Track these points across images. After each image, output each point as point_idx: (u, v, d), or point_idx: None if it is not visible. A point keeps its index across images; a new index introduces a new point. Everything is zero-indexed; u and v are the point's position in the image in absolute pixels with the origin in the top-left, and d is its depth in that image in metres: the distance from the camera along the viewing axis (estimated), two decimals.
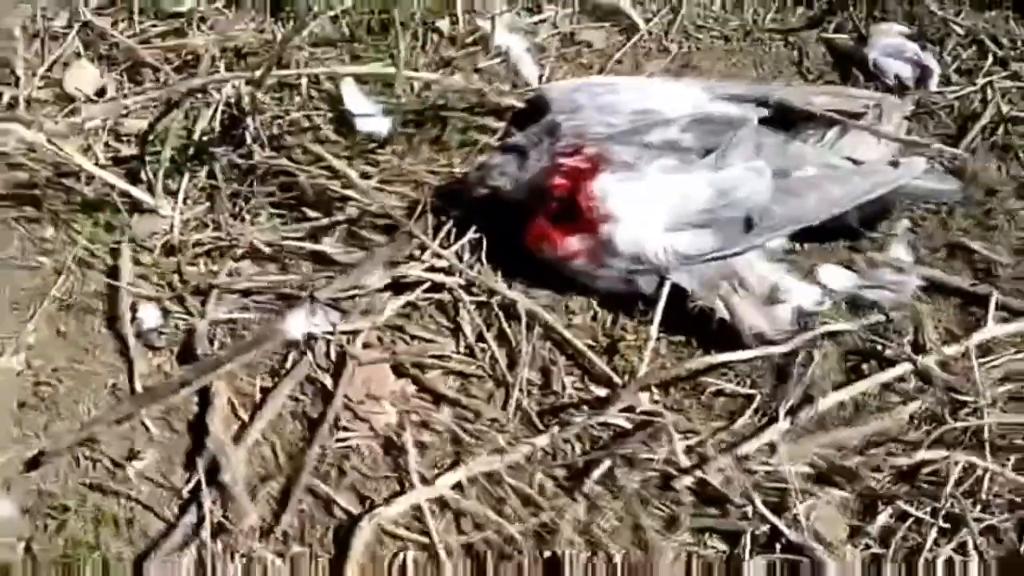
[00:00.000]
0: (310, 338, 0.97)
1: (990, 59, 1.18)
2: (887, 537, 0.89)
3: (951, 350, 0.97)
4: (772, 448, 0.92)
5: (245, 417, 0.95)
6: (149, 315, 1.00)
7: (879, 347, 0.98)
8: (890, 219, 1.08)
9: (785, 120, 1.08)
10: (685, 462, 0.87)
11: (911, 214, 1.08)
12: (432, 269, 1.03)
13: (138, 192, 1.06)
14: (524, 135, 1.03)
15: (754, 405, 0.96)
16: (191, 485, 0.89)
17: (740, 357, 0.94)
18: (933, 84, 1.17)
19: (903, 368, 0.96)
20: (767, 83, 1.18)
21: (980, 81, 1.15)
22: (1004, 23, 1.21)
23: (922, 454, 0.90)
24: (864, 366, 0.98)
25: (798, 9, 1.24)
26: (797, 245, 1.05)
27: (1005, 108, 1.13)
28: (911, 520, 0.89)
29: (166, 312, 1.01)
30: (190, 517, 0.87)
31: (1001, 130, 1.13)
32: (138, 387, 0.96)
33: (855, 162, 1.02)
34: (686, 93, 1.07)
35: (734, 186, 0.96)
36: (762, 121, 1.05)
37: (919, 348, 0.98)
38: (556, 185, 0.98)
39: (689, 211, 0.96)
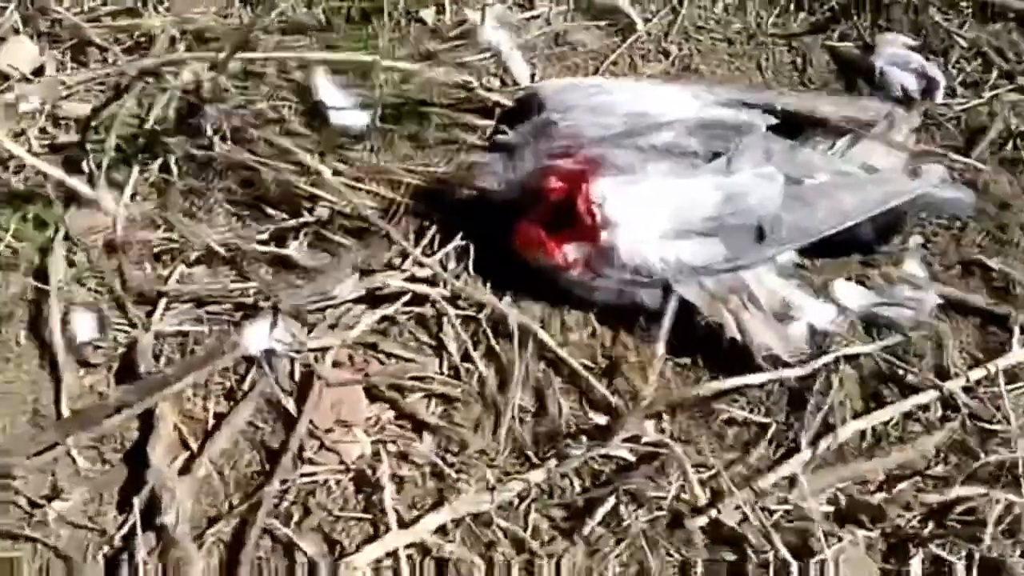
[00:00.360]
0: (271, 355, 0.79)
1: (995, 72, 1.05)
2: None
3: (976, 374, 0.83)
4: (791, 483, 0.77)
5: (194, 446, 0.76)
6: (83, 325, 0.81)
7: (900, 371, 0.83)
8: (902, 233, 0.94)
9: (791, 128, 0.93)
10: (703, 499, 0.70)
11: (923, 229, 0.95)
12: (413, 279, 0.85)
13: (76, 182, 0.86)
14: (515, 134, 0.86)
15: (768, 434, 0.81)
16: (124, 529, 0.70)
17: (755, 381, 0.78)
18: (939, 96, 1.03)
19: (928, 395, 0.82)
20: (769, 89, 1.04)
21: (987, 94, 1.02)
22: (1008, 35, 1.08)
23: (957, 491, 0.76)
24: (885, 392, 0.83)
25: (801, 14, 1.09)
26: (807, 260, 0.89)
27: (1014, 122, 1.01)
28: (945, 566, 0.75)
29: (104, 322, 0.82)
30: (122, 571, 0.68)
31: (1010, 145, 1.00)
32: (65, 410, 0.77)
33: (869, 169, 0.88)
34: (682, 97, 0.91)
35: (744, 192, 0.82)
36: (769, 129, 0.90)
37: (942, 372, 0.84)
38: (551, 188, 0.82)
39: (695, 217, 0.81)
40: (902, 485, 0.79)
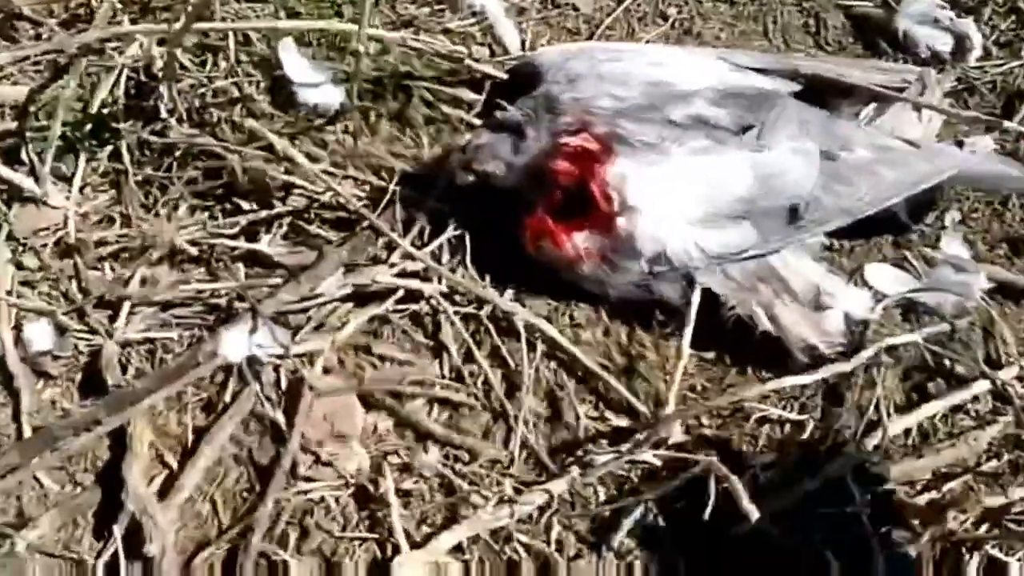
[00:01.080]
0: (254, 363, 0.85)
1: None
2: None
3: None
4: (835, 485, 0.85)
5: (173, 464, 0.82)
6: (38, 334, 0.86)
7: (947, 362, 0.93)
8: (936, 209, 1.03)
9: (814, 96, 1.02)
10: (753, 512, 0.78)
11: (959, 204, 1.04)
12: (404, 274, 0.92)
13: (17, 176, 0.92)
14: (517, 110, 0.92)
15: (805, 434, 0.89)
16: (105, 558, 0.76)
17: (801, 381, 0.85)
18: (973, 57, 1.13)
19: (978, 387, 0.91)
20: (784, 54, 1.12)
21: None
22: None
23: (1018, 491, 0.84)
24: (930, 385, 0.92)
25: None
26: (835, 241, 0.99)
27: None
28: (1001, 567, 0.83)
29: (61, 330, 0.87)
30: None
31: None
32: (26, 429, 0.82)
33: (909, 143, 0.97)
34: (703, 62, 0.99)
35: (780, 171, 0.89)
36: (796, 96, 0.99)
37: (992, 362, 0.93)
38: (561, 171, 0.89)
39: (725, 200, 0.88)
40: (952, 484, 0.87)
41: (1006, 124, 0.99)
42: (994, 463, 0.89)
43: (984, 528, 0.85)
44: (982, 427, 0.90)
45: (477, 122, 1.00)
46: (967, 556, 0.84)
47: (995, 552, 0.84)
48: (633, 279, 0.90)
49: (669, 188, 0.88)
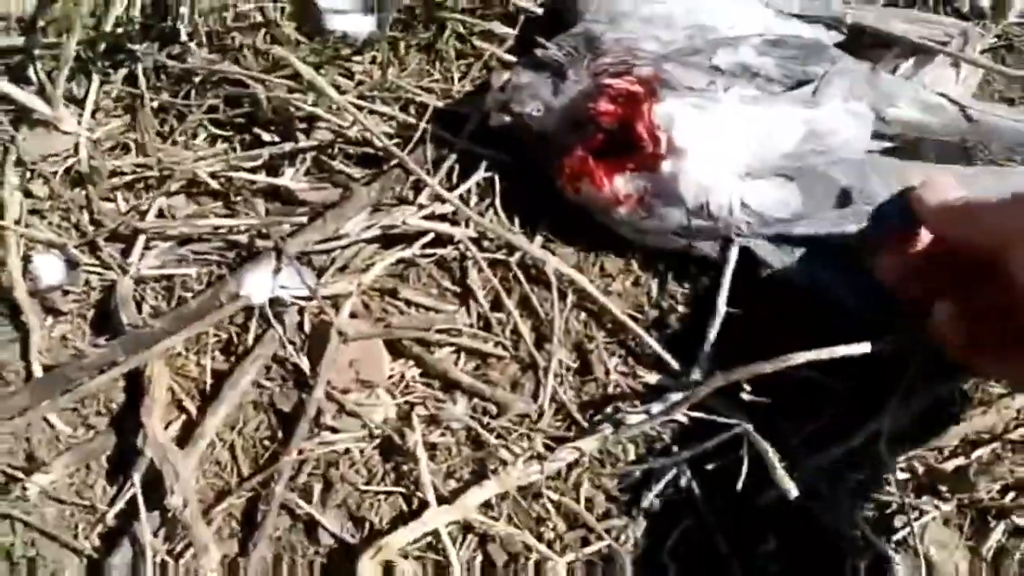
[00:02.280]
0: (276, 304, 0.75)
1: None
2: (1001, 557, 0.76)
3: None
4: (867, 451, 0.77)
5: (191, 408, 0.73)
6: (48, 267, 0.76)
7: None
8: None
9: (856, 46, 0.91)
10: (791, 491, 0.69)
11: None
12: (432, 216, 0.82)
13: (26, 97, 0.80)
14: (556, 48, 0.81)
15: (840, 398, 0.80)
16: (120, 505, 0.67)
17: (847, 352, 0.75)
18: (1014, 13, 1.02)
19: None
20: (827, 1, 1.01)
21: None
22: None
23: None
24: None
25: None
26: None
27: None
28: None
29: (73, 264, 0.77)
30: (121, 552, 0.65)
31: None
32: (36, 368, 0.72)
33: (951, 100, 0.87)
34: (747, 7, 0.87)
35: (832, 129, 0.78)
36: (838, 46, 0.88)
37: None
38: (603, 112, 0.77)
39: (774, 153, 0.77)
40: (980, 451, 0.80)
41: None
42: (1022, 431, 0.81)
43: (1010, 496, 0.78)
44: (1011, 395, 0.81)
45: (510, 57, 0.89)
46: (993, 523, 0.77)
47: (1021, 521, 0.77)
48: (671, 228, 0.79)
49: (718, 134, 0.77)
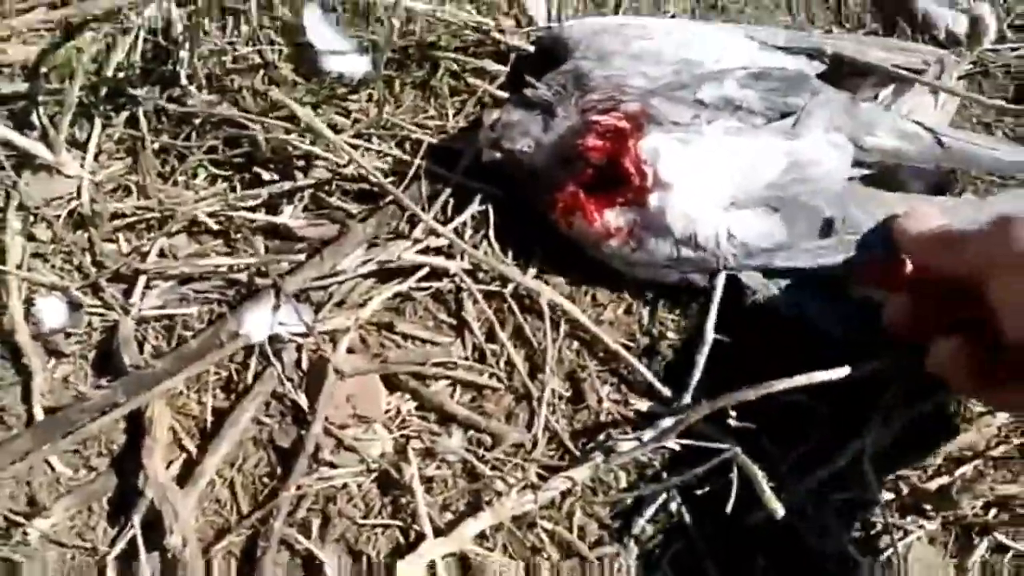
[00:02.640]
0: (275, 341, 0.74)
1: None
2: (985, 574, 0.75)
3: None
4: (851, 471, 0.76)
5: (191, 447, 0.72)
6: (50, 310, 0.75)
7: None
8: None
9: (835, 76, 0.91)
10: (778, 511, 0.68)
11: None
12: (427, 250, 0.81)
13: (30, 143, 0.80)
14: (546, 86, 0.80)
15: (825, 419, 0.79)
16: (121, 546, 0.66)
17: (827, 377, 0.74)
18: (988, 40, 1.01)
19: None
20: (808, 32, 1.00)
21: None
22: None
23: None
24: None
25: None
26: None
27: None
28: (1011, 554, 0.75)
29: (75, 306, 0.76)
30: None
31: None
32: (38, 411, 0.71)
33: (927, 129, 0.86)
34: (731, 40, 0.87)
35: (813, 159, 0.77)
36: (819, 77, 0.87)
37: None
38: (591, 148, 0.77)
39: (758, 183, 0.76)
40: (963, 469, 0.79)
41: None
42: (1004, 447, 0.80)
43: (993, 513, 0.77)
44: (992, 413, 0.81)
45: (502, 94, 0.88)
46: (976, 540, 0.76)
47: (1003, 538, 0.76)
48: (660, 260, 0.79)
49: (702, 167, 0.76)
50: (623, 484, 0.74)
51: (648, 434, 0.74)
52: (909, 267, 0.76)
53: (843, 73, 0.92)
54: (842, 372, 0.73)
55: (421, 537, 0.68)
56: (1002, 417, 0.81)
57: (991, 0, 1.03)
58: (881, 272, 0.77)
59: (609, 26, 0.86)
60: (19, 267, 0.76)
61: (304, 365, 0.75)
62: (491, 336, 0.79)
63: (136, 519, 0.65)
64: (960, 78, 0.98)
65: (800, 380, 0.73)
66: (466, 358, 0.78)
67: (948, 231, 0.73)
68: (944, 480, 0.79)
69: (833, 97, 0.83)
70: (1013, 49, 1.01)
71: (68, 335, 0.75)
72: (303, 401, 0.73)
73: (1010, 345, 0.65)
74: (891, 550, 0.72)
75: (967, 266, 0.69)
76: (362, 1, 0.84)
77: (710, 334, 0.78)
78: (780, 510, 0.65)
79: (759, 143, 0.78)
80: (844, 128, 0.81)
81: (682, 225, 0.77)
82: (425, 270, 0.80)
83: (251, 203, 0.82)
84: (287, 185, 0.83)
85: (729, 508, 0.69)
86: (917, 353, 0.76)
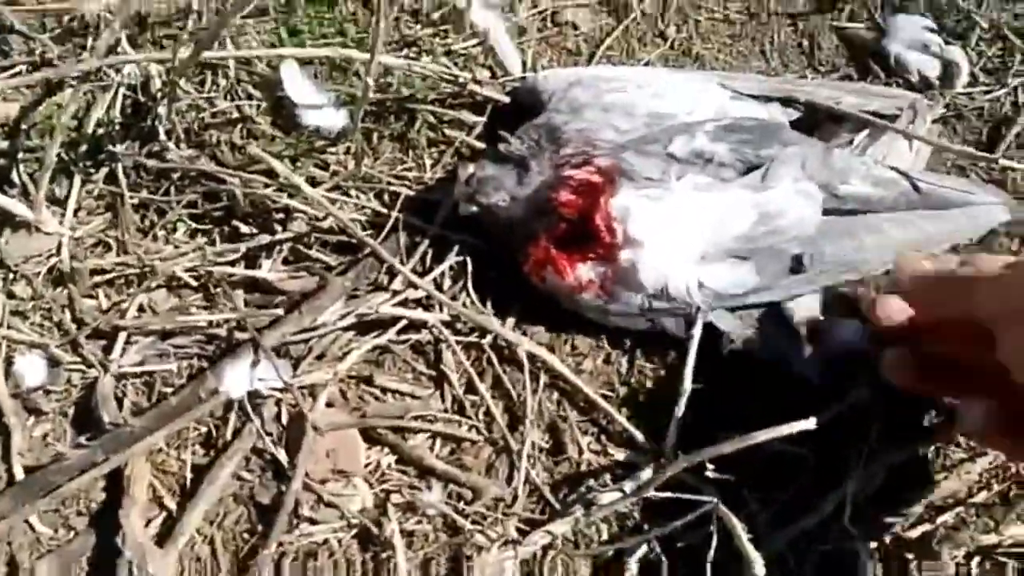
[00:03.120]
0: (254, 397, 0.76)
1: (1018, 57, 1.07)
2: None
3: None
4: (834, 520, 0.79)
5: (171, 505, 0.74)
6: (30, 368, 0.77)
7: None
8: None
9: (810, 122, 0.94)
10: (758, 566, 0.70)
11: None
12: (406, 302, 0.84)
13: (9, 202, 0.82)
14: (520, 141, 0.83)
15: (805, 467, 0.82)
16: None
17: (802, 427, 0.77)
18: (960, 83, 1.06)
19: None
20: (780, 77, 1.04)
21: (1012, 82, 1.05)
22: None
23: (1010, 528, 0.78)
24: (924, 416, 0.85)
25: None
26: None
27: None
28: None
29: (54, 363, 0.78)
30: None
31: None
32: (18, 470, 0.73)
33: (902, 174, 0.89)
34: (704, 91, 0.90)
35: (780, 210, 0.81)
36: (791, 125, 0.91)
37: None
38: (564, 202, 0.80)
39: (726, 237, 0.80)
40: (945, 516, 0.81)
41: (1000, 160, 0.91)
42: (984, 494, 0.83)
43: (976, 561, 0.79)
44: (972, 459, 0.84)
45: (479, 144, 0.92)
46: None
47: None
48: (634, 311, 0.82)
49: (672, 223, 0.80)
50: (604, 536, 0.77)
51: (628, 486, 0.77)
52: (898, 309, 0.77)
53: (818, 119, 0.97)
54: (811, 424, 0.76)
55: None
56: (983, 463, 0.84)
57: (962, 43, 1.08)
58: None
59: (582, 78, 0.90)
60: None
61: (284, 420, 0.77)
62: (470, 388, 0.82)
63: None
64: (934, 121, 1.03)
65: (778, 431, 0.75)
66: (445, 410, 0.81)
67: (953, 275, 0.71)
68: (926, 528, 0.81)
69: (807, 148, 0.87)
70: (985, 92, 1.06)
71: (47, 392, 0.77)
72: (283, 457, 0.75)
73: None
74: None
75: (976, 312, 0.66)
76: (338, 56, 0.87)
77: (688, 383, 0.80)
78: (760, 570, 0.67)
79: (728, 198, 0.81)
80: (817, 176, 0.85)
81: (653, 280, 0.80)
82: (404, 322, 0.83)
83: (230, 257, 0.85)
84: (266, 239, 0.86)
85: (710, 560, 0.72)
86: (896, 395, 0.79)
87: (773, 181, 0.82)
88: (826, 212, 0.84)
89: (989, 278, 0.67)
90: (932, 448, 0.85)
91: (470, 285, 0.85)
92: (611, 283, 0.81)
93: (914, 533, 0.80)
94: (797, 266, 0.82)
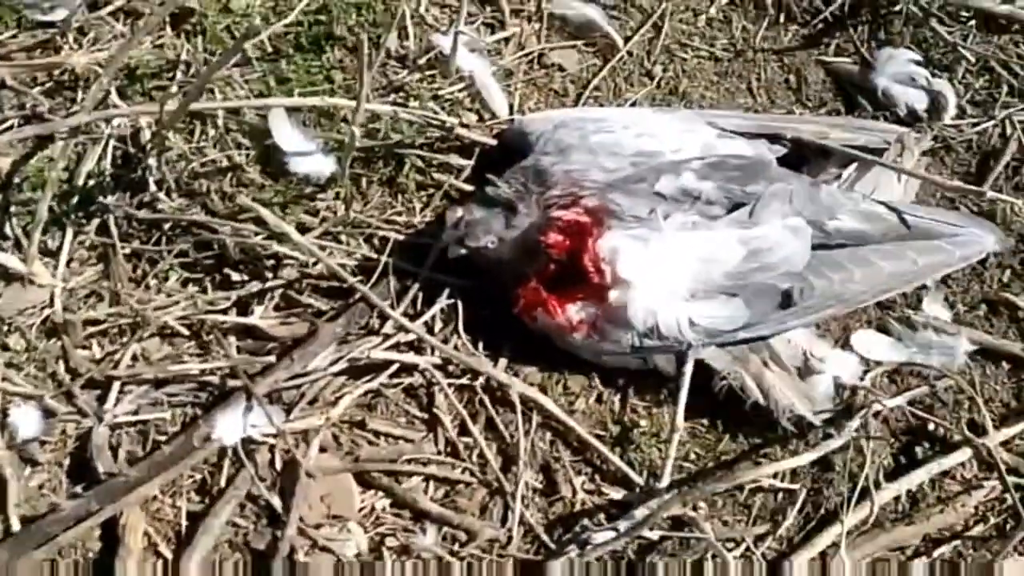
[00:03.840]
0: (248, 443, 0.81)
1: (1004, 89, 1.13)
2: None
3: (1014, 430, 0.90)
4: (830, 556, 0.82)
5: (167, 552, 0.78)
6: (25, 419, 0.81)
7: (931, 425, 0.90)
8: None
9: (798, 157, 0.99)
10: None
11: None
12: (397, 346, 0.88)
13: (2, 255, 0.87)
14: (508, 184, 0.88)
15: (798, 503, 0.86)
16: None
17: (799, 463, 0.82)
18: (948, 116, 1.11)
19: (963, 453, 0.88)
20: (768, 113, 1.09)
21: (999, 114, 1.10)
22: (1015, 48, 1.15)
23: (1010, 565, 0.82)
24: (917, 449, 0.90)
25: (792, 27, 1.15)
26: None
27: None
28: None
29: (49, 414, 0.82)
30: None
31: None
32: (14, 521, 0.77)
33: (891, 208, 0.94)
34: (690, 130, 0.95)
35: (769, 247, 0.86)
36: (779, 161, 0.96)
37: (976, 425, 0.90)
38: (552, 244, 0.85)
39: (715, 275, 0.85)
40: (942, 549, 0.85)
41: (988, 193, 0.97)
42: (981, 527, 0.87)
43: None
44: (968, 492, 0.88)
45: (468, 187, 0.97)
46: None
47: None
48: (624, 350, 0.86)
49: (660, 263, 0.84)
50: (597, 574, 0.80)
51: (623, 525, 0.81)
52: None
53: (805, 154, 1.02)
54: (806, 458, 0.80)
55: None
56: (978, 496, 0.88)
57: (949, 76, 1.14)
58: None
59: (568, 120, 0.95)
60: None
61: (277, 465, 0.81)
62: (463, 430, 0.86)
63: None
64: (923, 154, 1.07)
65: (767, 469, 0.80)
66: (438, 453, 0.85)
67: None
68: (924, 561, 0.85)
69: (794, 184, 0.92)
70: (973, 124, 1.11)
71: (42, 443, 0.81)
72: (277, 503, 0.79)
73: None
74: None
75: None
76: (326, 104, 0.92)
77: (680, 421, 0.85)
78: None
79: (716, 236, 0.86)
80: (805, 212, 0.89)
81: (643, 318, 0.84)
82: (396, 366, 0.87)
83: (222, 305, 0.89)
84: (257, 286, 0.90)
85: None
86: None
87: (761, 218, 0.87)
88: (814, 248, 0.89)
89: None
90: (928, 481, 0.89)
91: (461, 327, 0.90)
92: (602, 322, 0.85)
93: (912, 566, 0.84)
94: (787, 301, 0.86)
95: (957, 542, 0.86)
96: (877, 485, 0.85)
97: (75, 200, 0.92)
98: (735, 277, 0.85)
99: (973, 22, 1.14)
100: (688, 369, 0.85)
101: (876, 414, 0.88)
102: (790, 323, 0.88)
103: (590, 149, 0.91)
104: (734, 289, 0.85)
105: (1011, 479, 0.86)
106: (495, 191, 0.88)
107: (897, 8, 1.12)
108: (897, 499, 0.87)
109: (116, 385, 0.84)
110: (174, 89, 0.96)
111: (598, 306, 0.85)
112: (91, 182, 0.93)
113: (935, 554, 0.85)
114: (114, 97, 0.96)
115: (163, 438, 0.83)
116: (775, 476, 0.86)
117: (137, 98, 0.97)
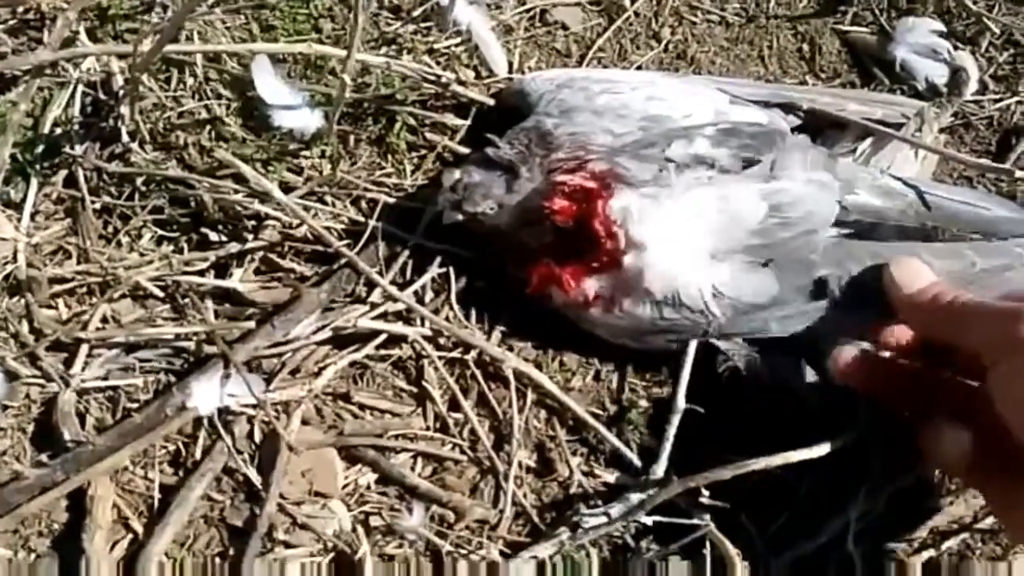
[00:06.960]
0: (225, 414, 0.81)
1: None
2: None
3: None
4: (833, 546, 0.84)
5: (137, 527, 0.78)
6: None
7: None
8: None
9: (812, 129, 1.01)
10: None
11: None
12: (385, 316, 0.89)
13: None
14: (508, 144, 0.89)
15: (803, 491, 0.87)
16: None
17: (806, 456, 0.83)
18: (969, 91, 1.12)
19: None
20: (781, 85, 1.11)
21: (1023, 90, 1.12)
22: None
23: (1021, 558, 0.84)
24: None
25: None
26: None
27: None
28: None
29: (12, 376, 0.82)
30: None
31: None
32: None
33: (909, 185, 0.95)
34: (701, 94, 0.96)
35: (794, 199, 0.85)
36: (793, 132, 0.97)
37: None
38: (558, 209, 0.85)
39: (739, 230, 0.84)
40: (950, 542, 0.88)
41: (1017, 172, 0.97)
42: (991, 519, 0.89)
43: None
44: None
45: (463, 149, 0.97)
46: None
47: None
48: (645, 325, 0.86)
49: (676, 220, 0.84)
50: (595, 561, 0.82)
51: (618, 509, 0.82)
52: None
53: (820, 126, 1.03)
54: (822, 450, 0.82)
55: None
56: None
57: (972, 49, 1.15)
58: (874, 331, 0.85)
59: (573, 79, 0.95)
60: None
61: (256, 438, 0.82)
62: (454, 405, 0.87)
63: None
64: (941, 130, 1.09)
65: (777, 460, 0.81)
66: (427, 429, 0.85)
67: (948, 301, 0.77)
68: (931, 554, 0.87)
69: (811, 152, 0.93)
70: (995, 100, 1.13)
71: (5, 408, 0.81)
72: (255, 477, 0.80)
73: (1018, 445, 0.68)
74: None
75: (969, 343, 0.74)
76: (313, 53, 0.92)
77: (681, 403, 0.86)
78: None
79: (734, 189, 0.86)
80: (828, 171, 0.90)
81: (661, 284, 0.84)
82: (383, 337, 0.88)
83: (199, 266, 0.89)
84: (236, 247, 0.90)
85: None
86: (896, 422, 0.85)
87: (781, 171, 0.87)
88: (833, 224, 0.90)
89: (990, 310, 0.73)
90: (937, 472, 0.91)
91: (453, 298, 0.90)
92: (618, 294, 0.85)
93: (918, 559, 0.86)
94: (821, 290, 0.86)
95: (966, 534, 0.88)
96: (885, 475, 0.88)
97: (40, 149, 0.91)
98: (759, 235, 0.84)
99: None
100: (692, 346, 0.86)
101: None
102: (819, 317, 0.86)
103: (596, 111, 0.91)
104: (760, 253, 0.84)
105: None
106: (496, 153, 0.87)
107: None
108: (905, 490, 0.89)
109: (84, 348, 0.84)
110: (148, 29, 0.95)
111: (613, 276, 0.84)
112: (58, 130, 0.92)
113: (943, 547, 0.87)
114: (83, 37, 0.95)
115: (134, 406, 0.83)
116: (782, 467, 0.87)
117: (108, 40, 0.97)
